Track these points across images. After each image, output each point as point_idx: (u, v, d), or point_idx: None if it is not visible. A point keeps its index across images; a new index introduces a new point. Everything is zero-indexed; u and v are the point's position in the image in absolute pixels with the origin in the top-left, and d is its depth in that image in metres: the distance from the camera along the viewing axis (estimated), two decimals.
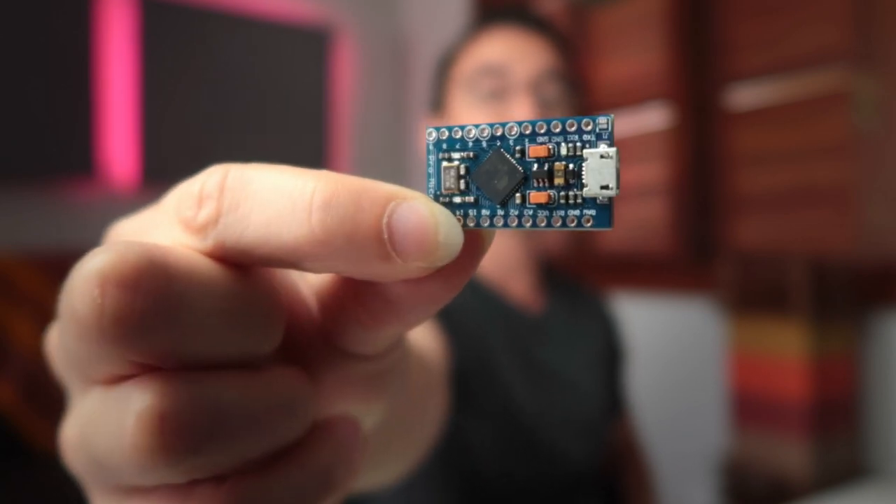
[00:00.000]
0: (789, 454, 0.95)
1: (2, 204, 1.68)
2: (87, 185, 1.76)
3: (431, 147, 0.17)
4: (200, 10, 1.88)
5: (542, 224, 0.16)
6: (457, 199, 0.17)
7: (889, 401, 1.04)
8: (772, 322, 0.99)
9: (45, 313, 1.57)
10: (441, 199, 0.17)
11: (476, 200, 0.17)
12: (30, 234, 1.70)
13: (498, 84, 0.72)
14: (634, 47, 1.55)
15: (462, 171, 0.17)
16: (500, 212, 0.16)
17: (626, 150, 1.58)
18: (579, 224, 0.16)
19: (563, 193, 0.16)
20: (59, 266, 1.62)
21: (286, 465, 0.16)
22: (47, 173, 1.69)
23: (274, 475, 0.16)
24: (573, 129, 0.16)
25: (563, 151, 0.16)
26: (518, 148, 0.16)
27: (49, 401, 1.55)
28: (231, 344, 0.15)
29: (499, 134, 0.17)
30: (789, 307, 0.96)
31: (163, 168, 1.84)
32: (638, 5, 1.55)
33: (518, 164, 0.16)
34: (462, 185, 0.17)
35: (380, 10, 2.23)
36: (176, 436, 0.14)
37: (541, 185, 0.16)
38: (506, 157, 0.16)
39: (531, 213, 0.16)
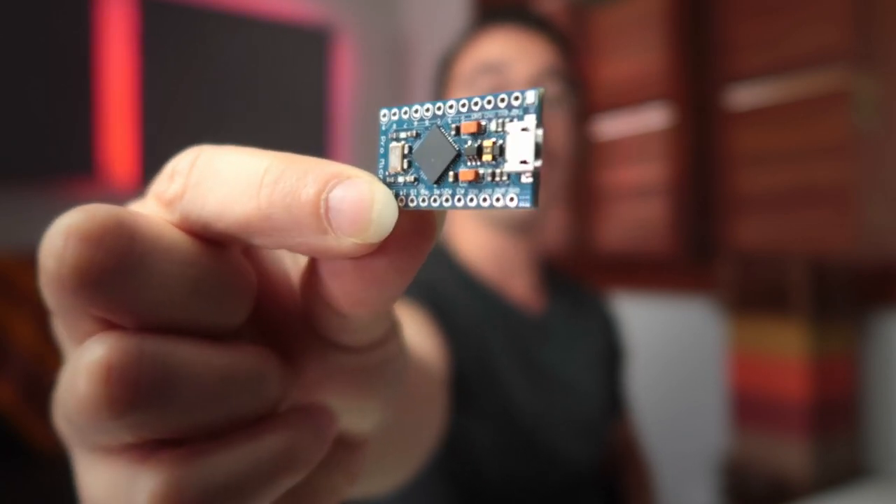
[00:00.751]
0: (789, 454, 0.95)
1: (2, 204, 1.68)
2: (87, 185, 1.76)
3: (383, 127, 0.18)
4: (200, 10, 1.88)
5: (472, 203, 0.15)
6: (400, 179, 0.17)
7: (889, 401, 1.04)
8: (772, 322, 0.99)
9: (45, 313, 1.57)
10: (388, 178, 0.17)
11: (416, 180, 0.17)
12: (30, 234, 1.70)
13: (498, 82, 0.72)
14: (634, 47, 1.55)
15: (406, 151, 0.17)
16: (436, 191, 0.16)
17: (627, 150, 1.58)
18: (504, 202, 0.15)
19: (489, 171, 0.15)
20: None
21: (247, 438, 0.17)
22: (47, 173, 1.69)
23: (232, 446, 0.16)
24: (504, 104, 0.15)
25: (493, 127, 0.15)
26: (455, 125, 0.16)
27: (49, 401, 1.55)
28: (192, 311, 0.16)
29: (440, 112, 0.16)
30: (789, 307, 0.96)
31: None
32: (638, 5, 1.55)
33: (452, 141, 0.16)
34: (405, 165, 0.17)
35: (380, 10, 2.23)
36: (121, 388, 0.14)
37: (472, 162, 0.16)
38: (442, 134, 0.16)
39: (462, 191, 0.16)
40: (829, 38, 1.20)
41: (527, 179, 0.15)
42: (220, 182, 0.16)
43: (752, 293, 1.02)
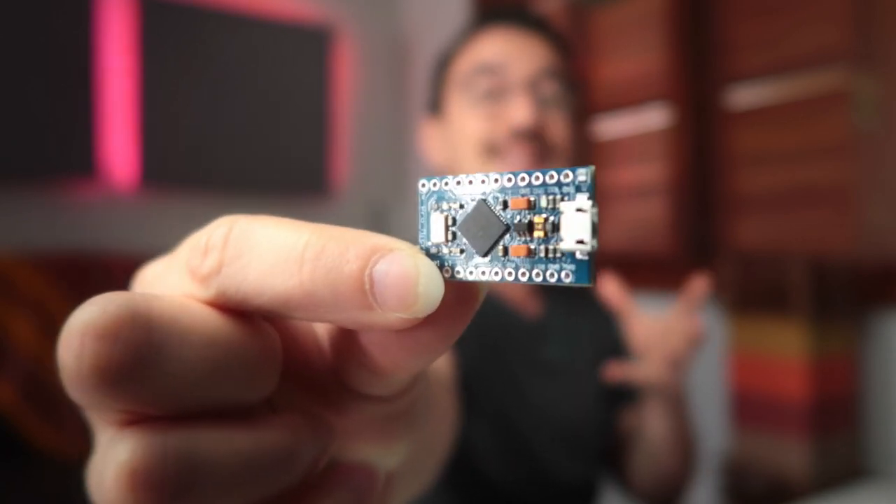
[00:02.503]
0: (789, 454, 0.95)
1: (2, 204, 1.68)
2: (87, 185, 1.76)
3: (423, 198, 0.18)
4: (200, 10, 1.88)
5: (524, 278, 0.16)
6: (445, 250, 0.17)
7: (889, 401, 1.04)
8: (772, 322, 0.99)
9: (45, 313, 1.57)
10: (431, 249, 0.17)
11: (461, 251, 0.17)
12: (30, 234, 1.70)
13: (495, 83, 0.72)
14: (634, 47, 1.55)
15: (449, 222, 0.17)
16: (484, 263, 0.16)
17: (626, 150, 1.58)
18: (559, 279, 0.15)
19: (542, 246, 0.16)
20: (59, 266, 1.62)
21: None
22: (47, 173, 1.69)
23: None
24: (553, 180, 0.16)
25: (543, 203, 0.16)
26: (502, 199, 0.16)
27: (49, 401, 1.55)
28: (218, 391, 0.15)
29: (484, 185, 0.17)
30: (789, 307, 0.96)
31: (163, 168, 1.84)
32: (638, 5, 1.55)
33: (501, 215, 0.16)
34: (449, 236, 0.17)
35: (380, 10, 2.23)
36: (147, 492, 0.14)
37: (522, 237, 0.16)
38: (489, 208, 0.16)
39: (513, 265, 0.16)
40: (829, 38, 1.20)
41: (582, 257, 0.15)
42: (259, 257, 0.15)
43: (752, 293, 1.02)
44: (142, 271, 0.19)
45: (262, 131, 1.99)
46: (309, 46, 2.04)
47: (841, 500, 0.84)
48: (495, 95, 0.72)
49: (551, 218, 0.16)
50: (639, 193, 1.54)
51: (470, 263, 0.16)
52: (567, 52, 0.78)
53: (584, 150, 1.66)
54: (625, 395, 0.85)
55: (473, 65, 0.73)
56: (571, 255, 0.15)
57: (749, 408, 1.02)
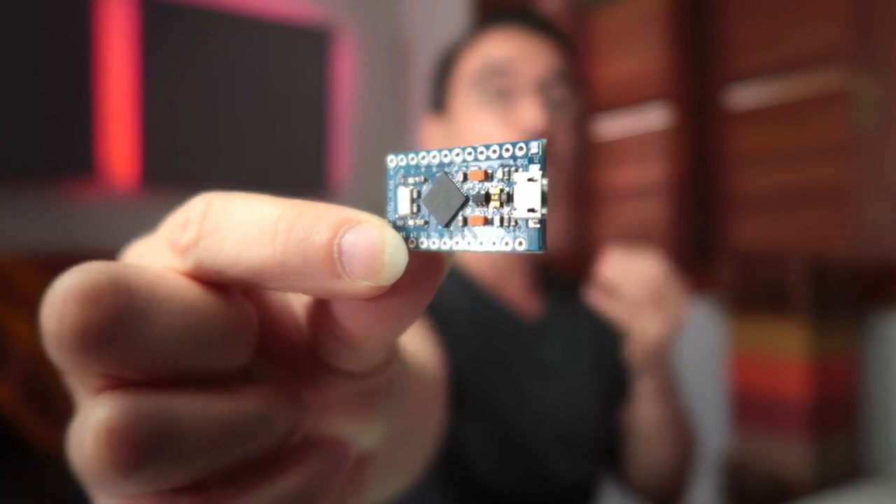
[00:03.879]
0: (789, 454, 0.95)
1: (2, 204, 1.68)
2: (87, 185, 1.76)
3: (391, 172, 0.18)
4: (200, 10, 1.88)
5: (481, 246, 0.16)
6: (410, 222, 0.18)
7: (889, 401, 1.04)
8: (772, 322, 0.99)
9: None
10: (398, 222, 0.18)
11: (425, 223, 0.17)
12: (30, 234, 1.70)
13: (504, 83, 0.71)
14: (634, 47, 1.55)
15: (414, 195, 0.18)
16: (446, 234, 0.17)
17: (627, 150, 1.58)
18: (512, 246, 0.16)
19: (498, 216, 0.16)
20: (59, 266, 1.61)
21: (265, 481, 0.17)
22: (47, 173, 1.69)
23: (251, 490, 0.17)
24: (508, 154, 0.16)
25: (499, 175, 0.17)
26: (462, 172, 0.17)
27: (49, 401, 1.55)
28: (194, 359, 0.16)
29: (446, 159, 0.17)
30: (789, 307, 0.96)
31: (163, 168, 1.84)
32: (638, 5, 1.55)
33: (460, 187, 0.17)
34: (414, 209, 0.18)
35: (380, 11, 2.23)
36: (123, 450, 0.14)
37: (480, 208, 0.17)
38: (449, 180, 0.17)
39: (472, 234, 0.17)
40: (829, 38, 1.20)
41: (534, 225, 0.16)
42: (235, 229, 0.16)
43: (752, 293, 1.02)
44: (127, 249, 0.20)
45: (262, 131, 1.99)
46: (309, 46, 2.04)
47: (841, 500, 0.84)
48: (504, 96, 0.71)
49: (506, 189, 0.16)
50: (639, 193, 1.54)
51: (433, 234, 0.17)
52: (572, 54, 0.78)
53: (585, 151, 1.66)
54: (623, 396, 0.85)
55: (482, 64, 0.72)
56: (525, 222, 0.16)
57: (749, 408, 1.02)
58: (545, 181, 0.16)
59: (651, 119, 1.51)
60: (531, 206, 0.16)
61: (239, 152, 1.95)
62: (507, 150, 0.16)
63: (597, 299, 0.70)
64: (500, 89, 0.71)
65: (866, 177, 1.14)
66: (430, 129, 0.81)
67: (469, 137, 0.73)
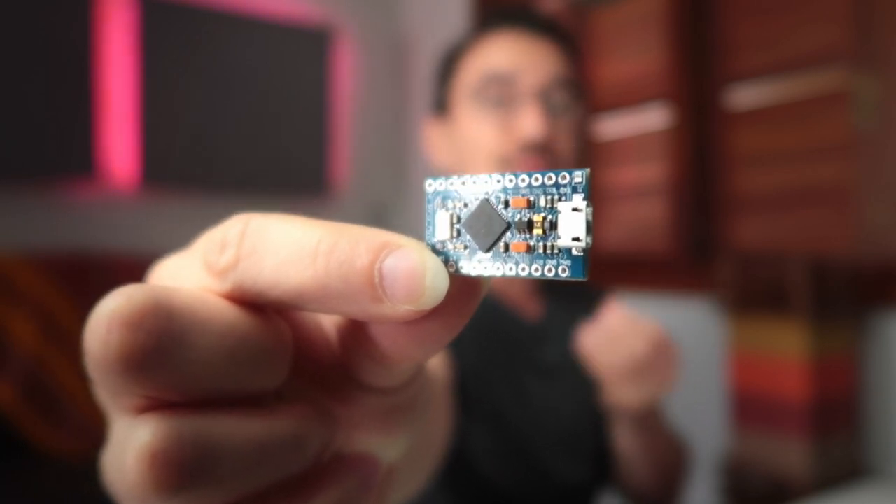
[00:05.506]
0: (789, 454, 0.95)
1: (2, 204, 1.68)
2: (87, 185, 1.76)
3: (430, 197, 0.19)
4: (200, 10, 1.88)
5: (524, 272, 0.17)
6: (449, 246, 0.18)
7: (889, 401, 1.04)
8: (772, 322, 0.99)
9: (45, 313, 1.57)
10: (436, 245, 0.18)
11: (465, 247, 0.18)
12: (30, 234, 1.70)
13: (505, 92, 0.71)
14: (634, 47, 1.55)
15: (454, 220, 0.18)
16: (486, 259, 0.17)
17: (627, 150, 1.58)
18: (556, 273, 0.16)
19: (541, 243, 0.17)
20: (59, 266, 1.62)
21: (301, 499, 0.17)
22: (47, 173, 1.69)
23: None
24: (551, 182, 0.17)
25: (542, 203, 0.17)
26: (503, 198, 0.17)
27: (49, 401, 1.55)
28: (233, 380, 0.16)
29: (487, 185, 0.18)
30: (789, 307, 0.96)
31: (163, 168, 1.84)
32: (638, 5, 1.55)
33: (503, 214, 0.17)
34: (454, 233, 0.18)
35: (380, 11, 2.23)
36: (167, 473, 0.15)
37: (522, 234, 0.17)
38: (491, 207, 0.17)
39: (513, 261, 0.17)
40: (829, 38, 1.20)
41: (578, 253, 0.16)
42: (274, 252, 0.16)
43: (752, 293, 1.02)
44: (157, 266, 0.20)
45: (262, 131, 1.99)
46: (309, 46, 2.04)
47: (841, 500, 0.84)
48: (505, 104, 0.71)
49: (549, 217, 0.17)
50: (639, 193, 1.54)
51: (473, 259, 0.17)
52: (576, 55, 0.78)
53: (585, 152, 1.66)
54: None
55: (483, 73, 0.72)
56: (568, 251, 0.16)
57: (749, 408, 1.02)
58: (590, 210, 0.16)
59: (651, 119, 1.51)
60: (576, 235, 0.16)
61: (239, 152, 1.95)
62: (550, 178, 0.17)
63: (584, 348, 0.67)
64: (500, 97, 0.71)
65: (866, 177, 1.14)
66: (433, 132, 0.81)
67: (470, 144, 0.73)
